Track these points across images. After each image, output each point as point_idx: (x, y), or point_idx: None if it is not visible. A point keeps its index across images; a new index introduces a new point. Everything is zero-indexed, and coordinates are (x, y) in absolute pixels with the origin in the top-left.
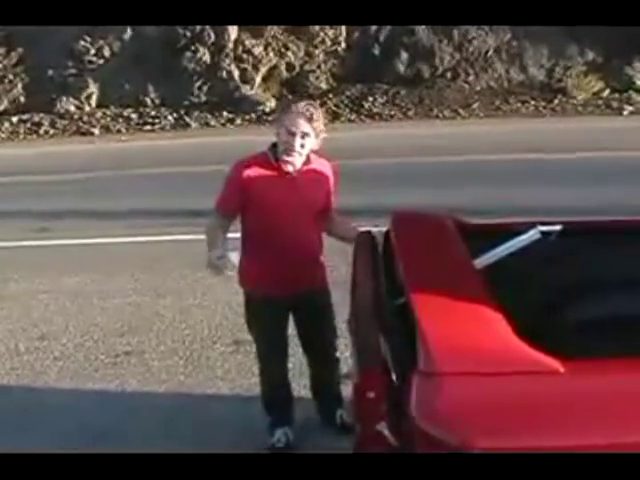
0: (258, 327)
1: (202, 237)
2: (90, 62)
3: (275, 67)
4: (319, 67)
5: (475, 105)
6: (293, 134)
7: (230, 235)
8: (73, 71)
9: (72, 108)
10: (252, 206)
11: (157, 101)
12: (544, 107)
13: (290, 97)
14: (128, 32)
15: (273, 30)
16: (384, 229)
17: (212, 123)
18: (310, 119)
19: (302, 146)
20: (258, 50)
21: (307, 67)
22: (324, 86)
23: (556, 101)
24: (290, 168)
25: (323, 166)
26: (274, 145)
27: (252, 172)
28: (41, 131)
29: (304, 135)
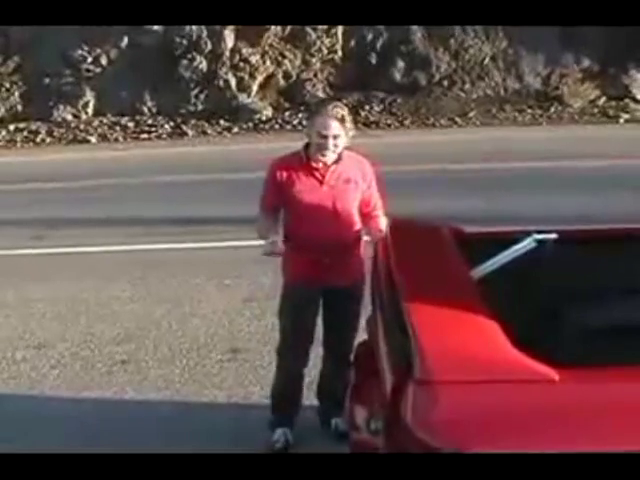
0: (289, 318)
1: (199, 245)
2: (87, 70)
3: (272, 75)
4: (316, 75)
5: (471, 113)
6: (325, 137)
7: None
8: (70, 79)
9: (69, 116)
10: (287, 203)
11: (154, 109)
12: (540, 115)
13: (323, 100)
14: (125, 40)
15: (270, 38)
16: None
17: (209, 132)
18: (341, 120)
19: (335, 146)
20: (255, 58)
21: (304, 75)
22: (321, 94)
23: (552, 109)
24: (321, 166)
25: (358, 163)
26: (307, 145)
27: (286, 171)
28: (38, 139)
29: (336, 137)
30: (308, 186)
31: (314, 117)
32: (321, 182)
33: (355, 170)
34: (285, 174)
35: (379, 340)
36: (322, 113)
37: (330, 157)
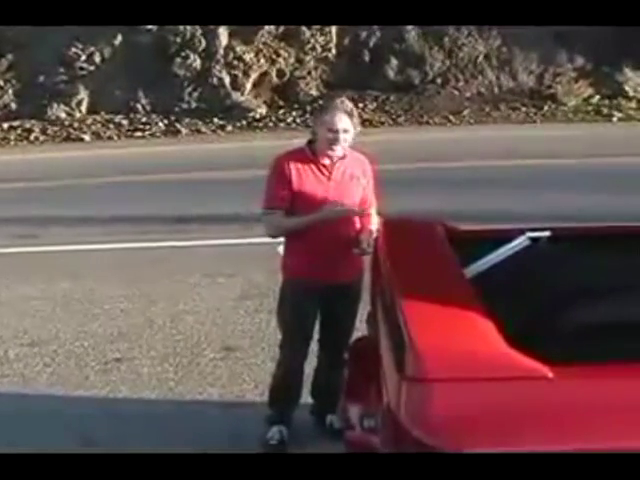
0: (288, 314)
1: (193, 243)
2: (81, 68)
3: (266, 73)
4: (309, 73)
5: (465, 112)
6: (335, 131)
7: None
8: (64, 77)
9: (63, 114)
10: (293, 199)
11: (148, 107)
12: (534, 113)
13: (329, 96)
14: (119, 38)
15: (264, 36)
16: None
17: (203, 129)
18: (350, 114)
19: (345, 140)
20: (249, 56)
21: (298, 73)
22: (314, 92)
23: (546, 107)
24: (327, 162)
25: (360, 161)
26: (310, 142)
27: (292, 166)
28: (32, 137)
29: (346, 130)
30: (315, 182)
31: (323, 113)
32: (328, 178)
33: (357, 167)
34: (293, 169)
35: (377, 338)
36: (331, 108)
37: (339, 152)
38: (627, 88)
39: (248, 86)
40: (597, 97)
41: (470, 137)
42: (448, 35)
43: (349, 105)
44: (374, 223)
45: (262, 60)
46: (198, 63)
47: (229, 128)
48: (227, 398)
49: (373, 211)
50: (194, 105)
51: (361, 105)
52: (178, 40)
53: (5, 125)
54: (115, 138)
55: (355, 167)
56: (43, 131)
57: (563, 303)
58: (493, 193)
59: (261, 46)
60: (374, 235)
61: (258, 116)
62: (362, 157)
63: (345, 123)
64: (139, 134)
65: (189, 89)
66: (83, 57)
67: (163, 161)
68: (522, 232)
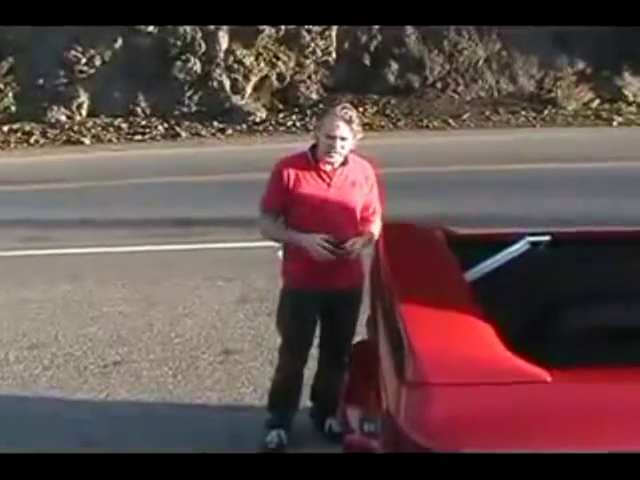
0: (287, 319)
1: (192, 247)
2: (81, 71)
3: (266, 77)
4: (310, 77)
5: (465, 115)
6: (333, 138)
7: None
8: (64, 80)
9: (63, 117)
10: (292, 204)
11: (148, 111)
12: (534, 117)
13: (331, 102)
14: (119, 41)
15: (264, 40)
16: None
17: (203, 133)
18: (349, 122)
19: (342, 148)
20: (249, 60)
21: (298, 77)
22: (315, 96)
23: (546, 111)
24: (328, 168)
25: (362, 167)
26: (313, 146)
27: (292, 171)
28: (32, 140)
29: (343, 138)
30: (315, 188)
31: (323, 119)
32: (328, 184)
33: (360, 174)
34: (292, 175)
35: (376, 342)
36: (330, 115)
37: (336, 159)
38: (627, 92)
39: (248, 90)
40: (597, 101)
41: (470, 141)
42: (448, 39)
43: (349, 113)
44: (376, 229)
45: (262, 64)
46: (198, 66)
47: (229, 131)
48: (226, 401)
49: (376, 217)
50: (194, 108)
51: (361, 109)
52: (178, 43)
53: (5, 128)
54: (115, 141)
55: (357, 173)
56: (43, 134)
57: (563, 307)
58: (493, 197)
59: (261, 50)
60: (371, 240)
61: (258, 120)
62: (365, 163)
63: (343, 131)
64: (139, 137)
65: (189, 92)
66: (83, 60)
67: (163, 164)
68: (522, 236)
